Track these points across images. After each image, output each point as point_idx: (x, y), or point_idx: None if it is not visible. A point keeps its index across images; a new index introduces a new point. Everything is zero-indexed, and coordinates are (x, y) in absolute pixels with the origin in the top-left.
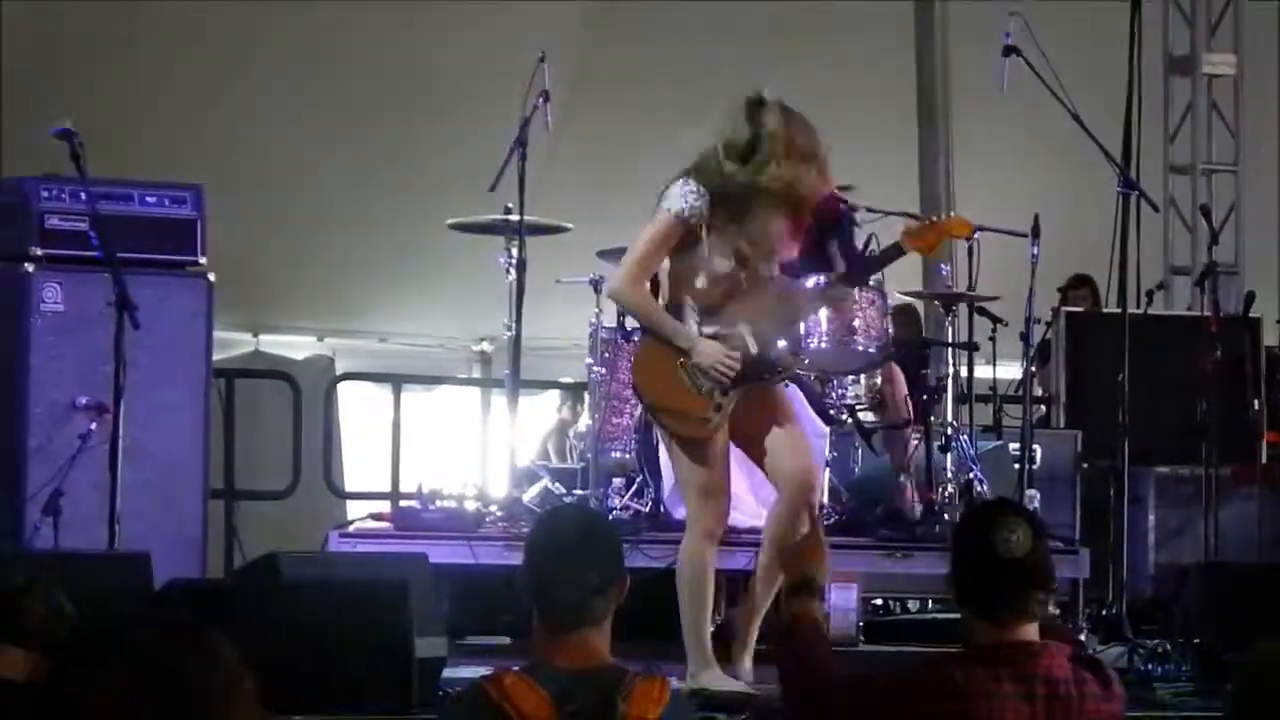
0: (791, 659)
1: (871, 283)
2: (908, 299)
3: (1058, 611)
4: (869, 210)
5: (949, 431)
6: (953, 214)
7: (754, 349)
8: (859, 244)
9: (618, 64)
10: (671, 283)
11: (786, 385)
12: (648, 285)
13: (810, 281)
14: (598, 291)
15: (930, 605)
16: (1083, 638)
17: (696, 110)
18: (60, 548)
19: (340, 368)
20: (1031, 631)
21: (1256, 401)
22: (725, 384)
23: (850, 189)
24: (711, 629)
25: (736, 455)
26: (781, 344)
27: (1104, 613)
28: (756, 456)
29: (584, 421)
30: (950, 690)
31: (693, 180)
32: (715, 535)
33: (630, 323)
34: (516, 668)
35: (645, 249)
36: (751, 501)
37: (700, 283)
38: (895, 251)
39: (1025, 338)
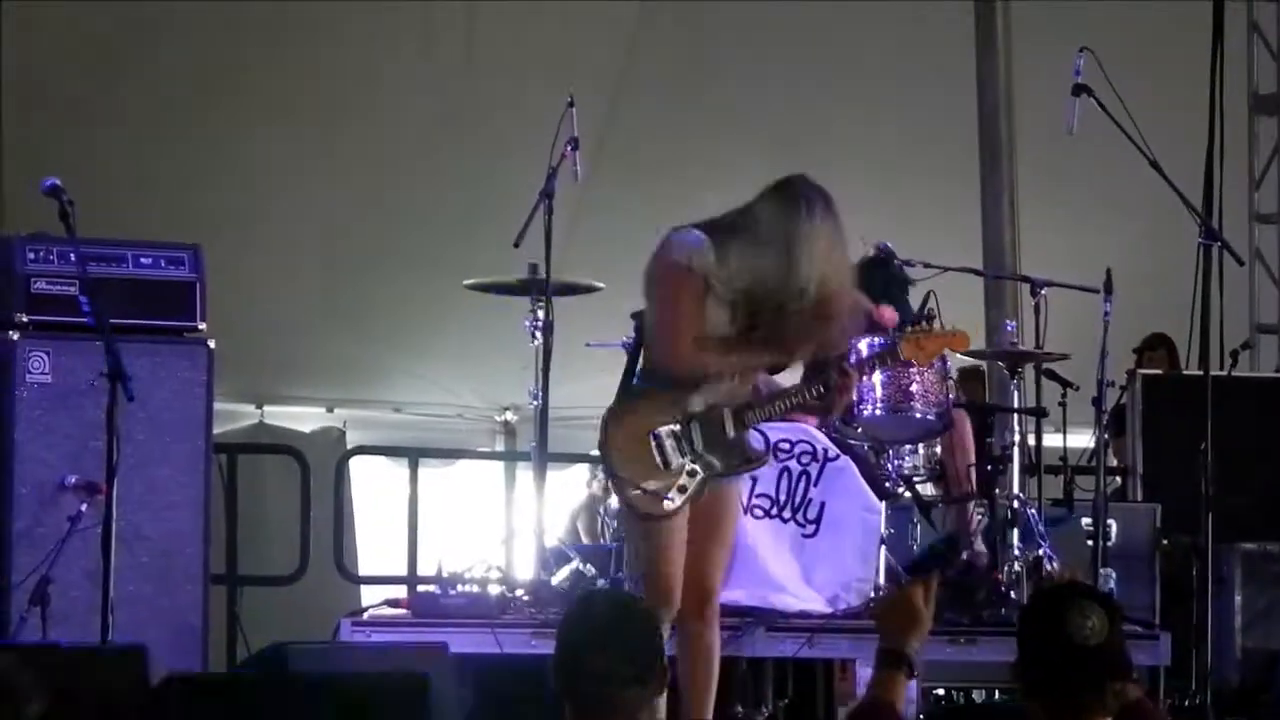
0: None
1: None
2: (972, 361)
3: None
4: (925, 266)
5: (1015, 505)
6: (956, 327)
7: (732, 433)
8: (914, 303)
9: (651, 110)
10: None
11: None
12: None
13: (864, 341)
14: None
15: (997, 696)
16: None
17: (737, 161)
18: (49, 640)
19: (352, 441)
20: None
21: None
22: (711, 466)
23: (888, 248)
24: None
25: (790, 536)
26: (757, 436)
27: (1187, 703)
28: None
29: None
30: None
31: (703, 235)
32: (668, 618)
33: None
34: None
35: (681, 309)
36: (803, 585)
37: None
38: (889, 357)
39: (1098, 403)
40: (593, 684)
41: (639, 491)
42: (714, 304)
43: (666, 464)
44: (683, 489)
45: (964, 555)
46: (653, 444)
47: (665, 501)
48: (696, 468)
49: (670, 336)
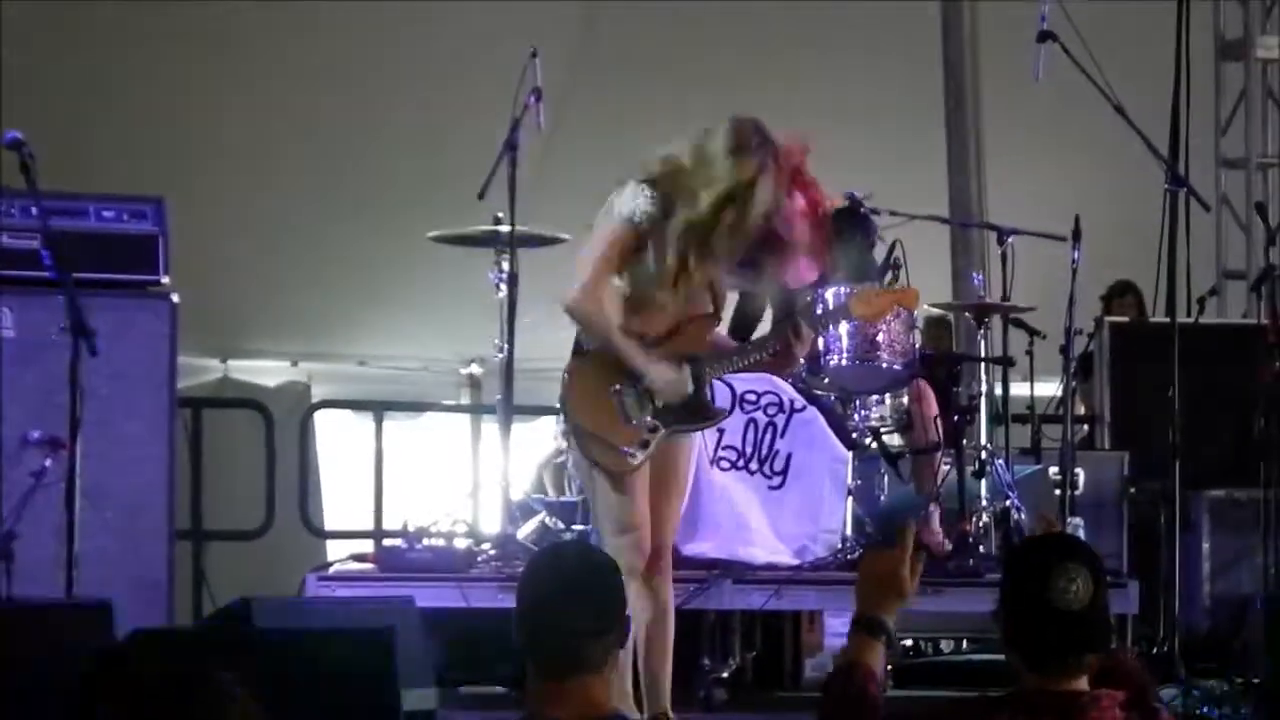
0: (831, 707)
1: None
2: (939, 311)
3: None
4: (893, 214)
5: (983, 455)
6: (908, 285)
7: (690, 389)
8: (882, 253)
9: (617, 60)
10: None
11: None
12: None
13: (830, 292)
14: None
15: (965, 646)
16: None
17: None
18: (13, 596)
19: (317, 395)
20: (1082, 682)
21: None
22: (668, 418)
23: (868, 196)
24: (726, 674)
25: (757, 488)
26: (714, 391)
27: (1155, 651)
28: None
29: None
30: None
31: (648, 188)
32: (637, 571)
33: None
34: None
35: (601, 257)
36: (770, 536)
37: (640, 309)
38: (840, 314)
39: (1065, 351)
40: (556, 637)
41: (603, 445)
42: (657, 256)
43: (629, 419)
44: (645, 444)
45: (930, 506)
46: (615, 400)
47: (629, 457)
48: (658, 423)
49: (581, 281)
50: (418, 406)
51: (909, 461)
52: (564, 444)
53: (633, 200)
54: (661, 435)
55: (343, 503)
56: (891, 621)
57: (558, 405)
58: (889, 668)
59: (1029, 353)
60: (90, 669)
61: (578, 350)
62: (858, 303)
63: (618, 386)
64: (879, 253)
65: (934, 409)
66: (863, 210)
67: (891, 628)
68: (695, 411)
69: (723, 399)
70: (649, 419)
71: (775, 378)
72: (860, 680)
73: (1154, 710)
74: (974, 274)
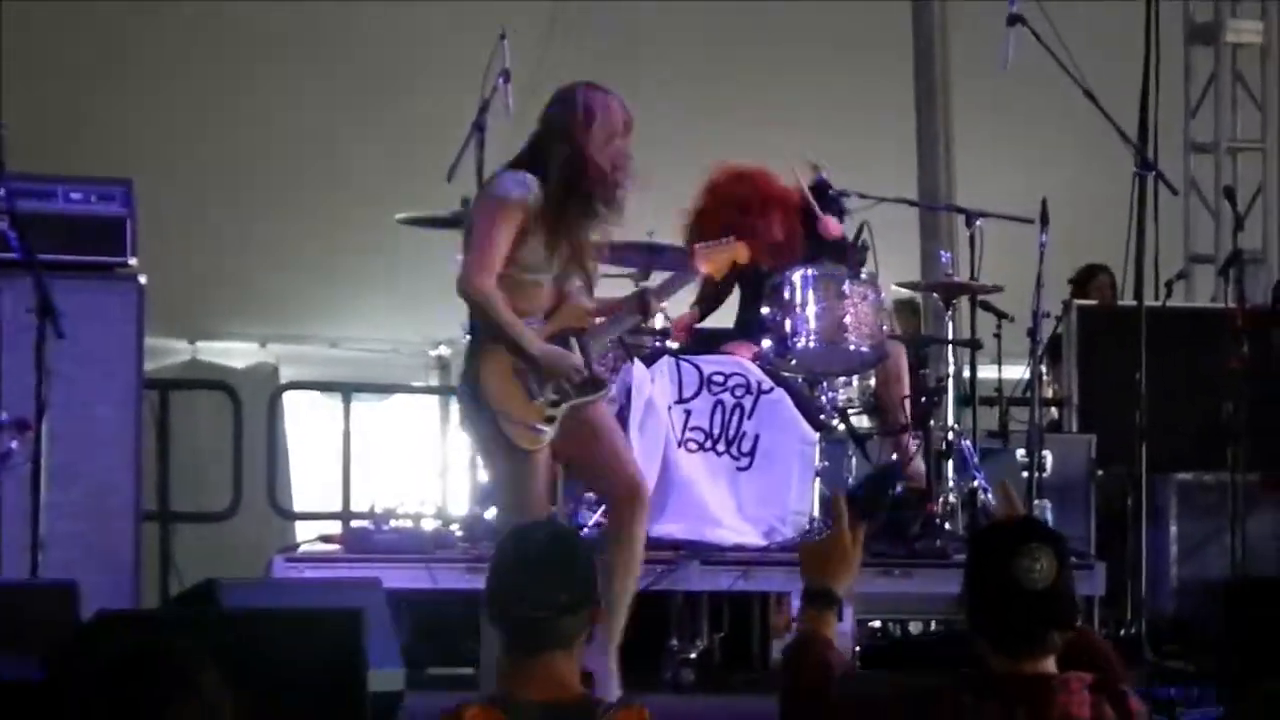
0: (793, 678)
1: (864, 275)
2: (907, 293)
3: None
4: (861, 196)
5: (950, 437)
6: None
7: (581, 364)
8: (849, 232)
9: (585, 49)
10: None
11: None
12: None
13: (798, 273)
14: None
15: (933, 626)
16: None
17: (668, 98)
18: None
19: (285, 376)
20: (1049, 665)
21: None
22: (568, 394)
23: (822, 168)
24: (694, 655)
25: (724, 469)
26: (600, 363)
27: (1122, 633)
28: (583, 476)
29: None
30: (962, 718)
31: (524, 173)
32: None
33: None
34: (480, 700)
35: (490, 238)
36: (738, 518)
37: (529, 286)
38: (684, 278)
39: (1033, 334)
40: (526, 610)
41: (516, 424)
42: (535, 240)
43: (532, 396)
44: (550, 419)
45: (898, 488)
46: (521, 379)
47: (538, 433)
48: (557, 397)
49: (473, 262)
50: (386, 388)
51: (877, 443)
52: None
53: (515, 182)
54: (564, 410)
55: (311, 484)
56: (842, 592)
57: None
58: (856, 649)
59: (997, 335)
60: (55, 651)
61: (481, 332)
62: (700, 258)
63: (520, 365)
64: (848, 233)
65: (903, 390)
66: (831, 191)
67: (842, 598)
68: (587, 384)
69: (689, 379)
70: (552, 395)
71: (744, 360)
72: (820, 650)
73: (1121, 694)
74: (942, 253)
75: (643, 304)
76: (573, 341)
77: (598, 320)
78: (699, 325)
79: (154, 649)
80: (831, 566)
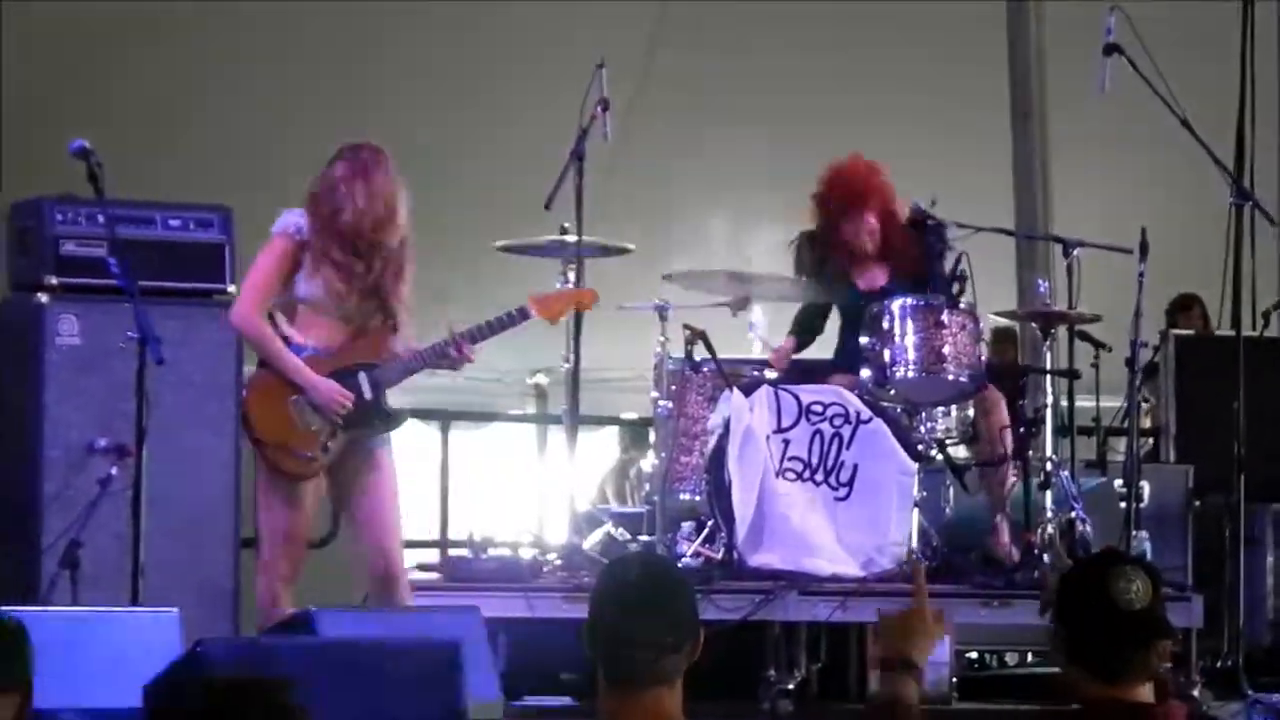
0: None
1: (963, 304)
2: (1005, 323)
3: (1169, 665)
4: (959, 226)
5: (1048, 467)
6: (584, 286)
7: (369, 394)
8: (948, 263)
9: (683, 72)
10: (293, 319)
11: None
12: (266, 315)
13: (897, 303)
14: (663, 318)
15: (1030, 658)
16: (1196, 693)
17: (769, 121)
18: (78, 604)
19: None
20: (1147, 692)
21: None
22: (336, 424)
23: (933, 203)
24: (791, 685)
25: (822, 499)
26: (393, 397)
27: (1219, 665)
28: (345, 514)
29: (649, 461)
30: None
31: (300, 211)
32: (292, 582)
33: (700, 353)
34: None
35: (263, 273)
36: (836, 548)
37: (317, 319)
38: (519, 316)
39: (1131, 364)
40: (629, 649)
41: (284, 451)
42: (316, 277)
43: (307, 425)
44: (325, 448)
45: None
46: (294, 408)
47: (308, 461)
48: (333, 429)
49: (243, 295)
50: (484, 416)
51: (975, 474)
52: (629, 455)
53: (290, 219)
54: (341, 440)
55: (408, 512)
56: (921, 662)
57: (624, 416)
58: (953, 679)
59: (1094, 365)
60: (155, 680)
61: (261, 362)
62: (536, 304)
63: (295, 397)
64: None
65: (1004, 420)
66: (929, 222)
67: (923, 665)
68: (372, 417)
69: (788, 408)
70: (326, 425)
71: (842, 389)
72: (902, 715)
73: None
74: (1040, 281)
75: (451, 349)
76: (360, 376)
77: (398, 356)
78: (797, 356)
79: (254, 678)
80: (912, 639)
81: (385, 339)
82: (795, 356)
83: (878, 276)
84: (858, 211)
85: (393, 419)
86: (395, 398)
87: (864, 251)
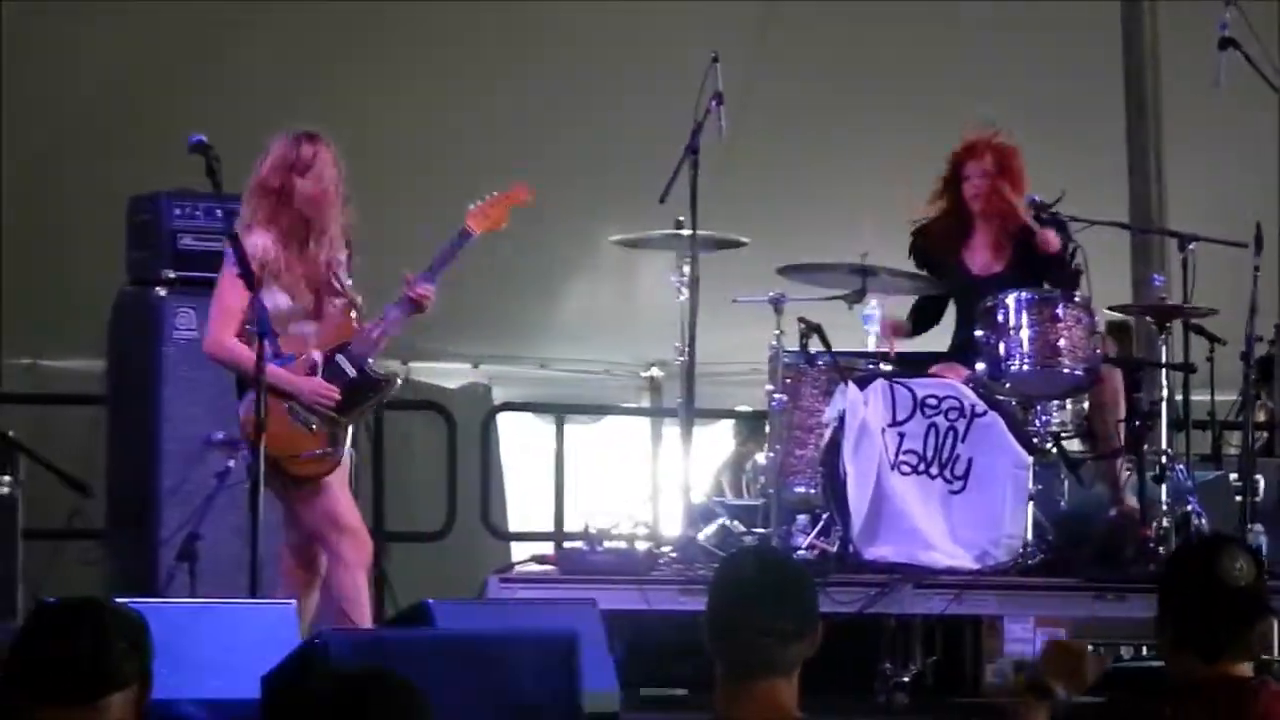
0: None
1: (1077, 298)
2: (1120, 316)
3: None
4: (1074, 220)
5: (1164, 461)
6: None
7: (352, 372)
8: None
9: (797, 64)
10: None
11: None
12: (235, 336)
13: (1012, 296)
14: (778, 311)
15: (1146, 652)
16: None
17: (883, 112)
18: (196, 597)
19: (498, 397)
20: (1247, 669)
21: None
22: (332, 414)
23: (1058, 199)
24: (907, 678)
25: (937, 492)
26: (373, 361)
27: None
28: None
29: (764, 454)
30: None
31: (256, 229)
32: (366, 565)
33: (815, 346)
34: None
35: (224, 300)
36: (951, 541)
37: (284, 330)
38: (461, 238)
39: (1246, 358)
40: (751, 639)
41: (297, 459)
42: (277, 293)
43: (309, 426)
44: (335, 438)
45: (1112, 511)
46: (290, 416)
47: (324, 456)
48: (335, 417)
49: (210, 324)
50: (599, 410)
51: (1090, 467)
52: (745, 448)
53: (251, 249)
54: (347, 425)
55: (524, 505)
56: (1066, 696)
57: (739, 408)
58: None
59: (1209, 359)
60: (274, 671)
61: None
62: (472, 218)
63: (288, 404)
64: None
65: (1118, 414)
66: (1044, 215)
67: (1062, 700)
68: (365, 391)
69: (903, 402)
70: (325, 419)
71: (957, 382)
72: None
73: None
74: (1155, 276)
75: (408, 290)
76: (339, 359)
77: (364, 327)
78: (912, 348)
79: (372, 670)
80: (1068, 676)
81: (347, 319)
82: (909, 349)
83: (993, 263)
84: (977, 163)
85: (385, 383)
86: (506, 389)
87: (982, 212)
